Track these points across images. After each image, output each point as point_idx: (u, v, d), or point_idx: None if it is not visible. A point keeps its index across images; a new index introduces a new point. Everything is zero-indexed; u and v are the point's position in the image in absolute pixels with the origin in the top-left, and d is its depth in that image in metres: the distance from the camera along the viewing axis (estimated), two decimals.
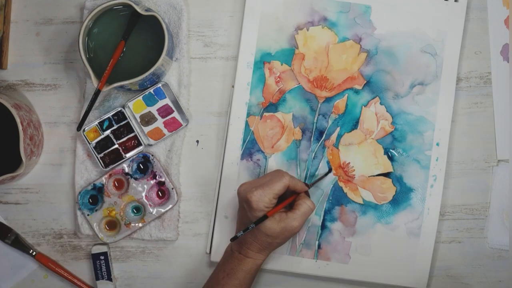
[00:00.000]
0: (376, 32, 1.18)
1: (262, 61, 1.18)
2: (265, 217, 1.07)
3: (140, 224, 1.19)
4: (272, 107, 1.18)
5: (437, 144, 1.17)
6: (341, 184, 1.18)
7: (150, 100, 1.18)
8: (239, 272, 1.11)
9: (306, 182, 1.17)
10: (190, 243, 1.21)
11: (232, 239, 1.08)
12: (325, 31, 1.18)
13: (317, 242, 1.18)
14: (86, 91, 1.20)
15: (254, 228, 1.09)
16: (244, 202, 1.09)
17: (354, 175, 1.18)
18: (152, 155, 1.19)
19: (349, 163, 1.18)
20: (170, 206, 1.19)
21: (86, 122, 1.17)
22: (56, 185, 1.21)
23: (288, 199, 1.11)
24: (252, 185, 1.09)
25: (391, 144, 1.18)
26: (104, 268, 1.20)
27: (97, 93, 1.12)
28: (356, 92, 1.18)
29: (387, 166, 1.18)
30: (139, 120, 1.19)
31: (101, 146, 1.19)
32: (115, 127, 1.19)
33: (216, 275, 1.12)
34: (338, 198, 1.18)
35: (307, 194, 1.15)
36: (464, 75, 1.20)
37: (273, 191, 1.08)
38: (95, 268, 1.20)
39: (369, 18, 1.18)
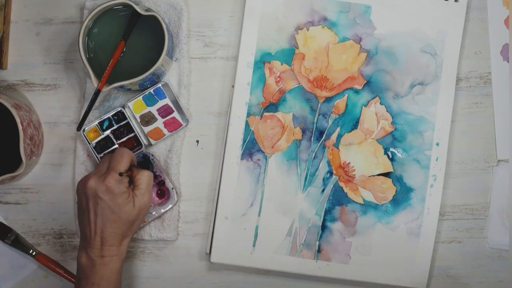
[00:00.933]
0: (376, 32, 1.18)
1: (262, 61, 1.18)
2: (98, 91, 1.06)
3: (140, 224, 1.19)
4: (272, 107, 1.18)
5: (437, 144, 1.17)
6: (341, 184, 1.18)
7: (150, 100, 1.18)
8: (111, 277, 1.07)
9: (306, 183, 1.17)
10: (190, 243, 1.21)
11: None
12: (325, 31, 1.18)
13: (317, 243, 1.18)
14: (86, 91, 1.20)
15: (115, 213, 1.07)
16: (101, 194, 1.06)
17: (354, 175, 1.18)
18: (152, 155, 1.19)
19: (349, 163, 1.18)
20: (170, 206, 1.19)
21: (86, 122, 1.17)
22: (56, 185, 1.21)
23: (132, 169, 1.12)
24: (98, 175, 1.08)
25: (391, 144, 1.18)
26: None
27: (97, 93, 1.12)
28: (356, 92, 1.18)
29: (387, 166, 1.18)
30: (139, 120, 1.19)
31: (101, 146, 1.19)
32: (115, 127, 1.19)
33: None
34: (338, 198, 1.18)
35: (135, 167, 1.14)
36: (464, 75, 1.20)
37: (123, 168, 1.08)
38: None
39: (369, 18, 1.18)
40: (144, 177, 1.11)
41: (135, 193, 1.10)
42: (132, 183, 1.11)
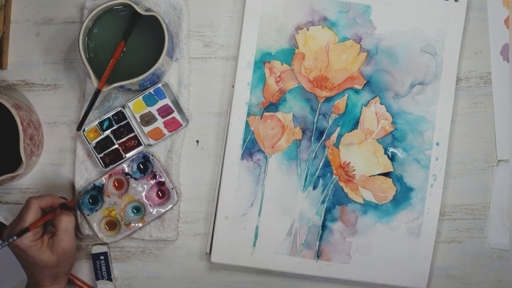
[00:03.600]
0: (376, 31, 1.18)
1: (262, 61, 1.18)
2: (26, 229, 1.06)
3: (140, 224, 1.19)
4: (272, 107, 1.18)
5: (437, 144, 1.17)
6: (341, 184, 1.18)
7: (150, 100, 1.18)
8: None
9: (306, 183, 1.17)
10: (190, 243, 1.21)
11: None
12: (325, 31, 1.18)
13: (317, 243, 1.18)
14: (86, 91, 1.20)
15: (33, 264, 1.08)
16: (12, 250, 1.08)
17: (354, 175, 1.18)
18: (152, 155, 1.19)
19: (349, 163, 1.18)
20: (170, 206, 1.19)
21: (86, 122, 1.17)
22: (56, 185, 1.21)
23: (45, 217, 1.09)
24: (10, 229, 1.08)
25: (391, 143, 1.18)
26: (104, 268, 1.20)
27: (97, 93, 1.12)
28: (356, 91, 1.18)
29: (387, 166, 1.18)
30: (139, 120, 1.19)
31: (101, 146, 1.19)
32: (115, 127, 1.19)
33: None
34: (338, 198, 1.18)
35: (66, 207, 1.12)
36: (464, 75, 1.20)
37: (26, 221, 1.07)
38: (95, 268, 1.20)
39: (369, 18, 1.18)
40: (61, 222, 1.09)
41: (53, 239, 1.09)
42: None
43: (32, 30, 1.21)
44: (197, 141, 1.21)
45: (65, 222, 1.09)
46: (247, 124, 1.18)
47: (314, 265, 1.18)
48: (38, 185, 1.21)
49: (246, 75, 1.18)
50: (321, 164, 1.18)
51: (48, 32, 1.21)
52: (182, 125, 1.19)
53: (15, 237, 1.05)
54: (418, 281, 1.18)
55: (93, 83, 1.11)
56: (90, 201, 1.19)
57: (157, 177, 1.19)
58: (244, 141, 1.18)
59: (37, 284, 1.10)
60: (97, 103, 1.19)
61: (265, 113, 1.18)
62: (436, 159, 1.17)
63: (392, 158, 1.18)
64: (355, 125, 1.18)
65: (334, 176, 1.18)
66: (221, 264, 1.19)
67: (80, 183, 1.19)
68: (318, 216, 1.18)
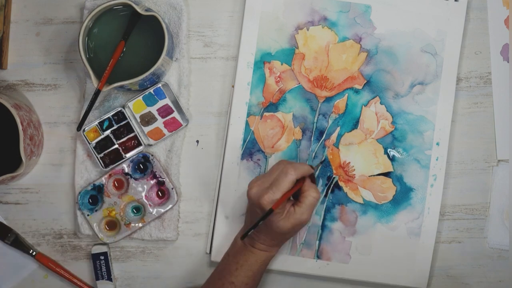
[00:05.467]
0: (376, 31, 1.18)
1: (262, 61, 1.18)
2: (270, 210, 1.06)
3: (140, 224, 1.19)
4: (272, 107, 1.18)
5: (437, 144, 1.17)
6: (341, 183, 1.18)
7: (150, 100, 1.18)
8: (254, 264, 1.11)
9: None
10: (190, 243, 1.21)
11: (242, 237, 1.06)
12: (325, 30, 1.18)
13: (317, 242, 1.18)
14: (86, 91, 1.20)
15: (267, 225, 1.08)
16: (256, 207, 1.08)
17: (354, 174, 1.18)
18: (152, 155, 1.19)
19: (349, 162, 1.18)
20: (170, 206, 1.19)
21: (86, 122, 1.17)
22: (56, 185, 1.21)
23: (293, 189, 1.08)
24: (260, 187, 1.08)
25: (391, 143, 1.18)
26: (104, 268, 1.20)
27: (97, 93, 1.12)
28: (356, 91, 1.18)
29: (387, 166, 1.18)
30: (139, 120, 1.19)
31: (101, 146, 1.19)
32: (115, 127, 1.19)
33: (227, 266, 1.12)
34: (338, 197, 1.18)
35: (312, 178, 1.13)
36: (464, 75, 1.20)
37: (281, 190, 1.06)
38: (95, 268, 1.20)
39: (369, 18, 1.18)
40: (310, 197, 1.08)
41: (295, 208, 1.08)
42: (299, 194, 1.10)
43: (32, 30, 1.22)
44: (197, 141, 1.21)
45: (312, 197, 1.08)
46: (247, 124, 1.18)
47: (314, 264, 1.18)
48: (38, 185, 1.21)
49: (246, 75, 1.18)
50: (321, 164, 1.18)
51: (48, 32, 1.21)
52: (182, 125, 1.19)
53: (271, 210, 1.05)
54: (418, 281, 1.17)
55: (93, 83, 1.11)
56: (90, 201, 1.19)
57: (157, 177, 1.19)
58: (244, 141, 1.18)
59: (253, 240, 1.11)
60: (97, 103, 1.19)
61: (265, 113, 1.18)
62: (436, 159, 1.17)
63: (392, 158, 1.18)
64: (355, 125, 1.18)
65: (334, 176, 1.18)
66: None
67: (80, 183, 1.20)
68: (318, 216, 1.18)
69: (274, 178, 1.08)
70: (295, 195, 1.10)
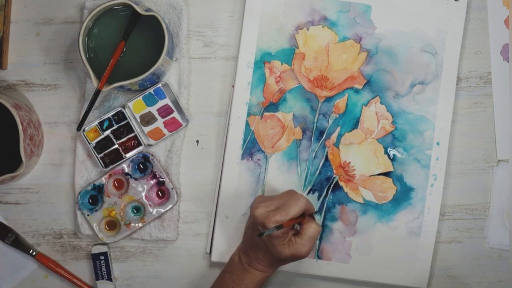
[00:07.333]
0: (376, 31, 1.18)
1: (262, 61, 1.18)
2: (280, 226, 1.06)
3: (140, 224, 1.19)
4: (272, 106, 1.18)
5: (437, 144, 1.18)
6: (341, 183, 1.18)
7: (150, 100, 1.18)
8: (250, 284, 1.11)
9: (306, 182, 1.18)
10: (190, 243, 1.21)
11: (260, 235, 1.05)
12: (325, 30, 1.18)
13: (317, 242, 1.18)
14: (86, 91, 1.20)
15: (267, 246, 1.09)
16: (260, 226, 1.07)
17: (354, 174, 1.18)
18: (152, 155, 1.19)
19: (349, 162, 1.18)
20: (170, 206, 1.19)
21: (86, 122, 1.17)
22: (56, 185, 1.21)
23: (296, 219, 1.09)
24: (267, 208, 1.08)
25: (392, 143, 1.18)
26: (104, 268, 1.20)
27: (97, 93, 1.12)
28: (357, 91, 1.18)
29: (388, 166, 1.18)
30: (139, 120, 1.19)
31: (101, 146, 1.19)
32: (115, 127, 1.19)
33: (223, 284, 1.12)
34: (338, 197, 1.18)
35: (312, 217, 1.14)
36: (464, 75, 1.20)
37: (289, 216, 1.06)
38: (95, 268, 1.20)
39: (369, 18, 1.18)
40: (311, 229, 1.09)
41: (296, 239, 1.09)
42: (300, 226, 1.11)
43: (32, 30, 1.22)
44: (197, 141, 1.21)
45: (314, 229, 1.09)
46: (247, 124, 1.18)
47: (314, 264, 1.18)
48: (38, 185, 1.21)
49: (246, 75, 1.18)
50: (321, 164, 1.18)
51: (48, 32, 1.21)
52: (182, 125, 1.19)
53: (275, 229, 1.05)
54: (418, 281, 1.18)
55: (93, 83, 1.11)
56: (90, 201, 1.19)
57: (157, 177, 1.19)
58: (244, 141, 1.18)
59: (251, 259, 1.11)
60: (97, 103, 1.19)
61: (265, 113, 1.18)
62: (437, 159, 1.17)
63: (392, 157, 1.18)
64: (355, 124, 1.18)
65: (334, 176, 1.18)
66: (222, 264, 1.19)
67: (80, 183, 1.20)
68: (318, 216, 1.18)
69: (283, 202, 1.08)
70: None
